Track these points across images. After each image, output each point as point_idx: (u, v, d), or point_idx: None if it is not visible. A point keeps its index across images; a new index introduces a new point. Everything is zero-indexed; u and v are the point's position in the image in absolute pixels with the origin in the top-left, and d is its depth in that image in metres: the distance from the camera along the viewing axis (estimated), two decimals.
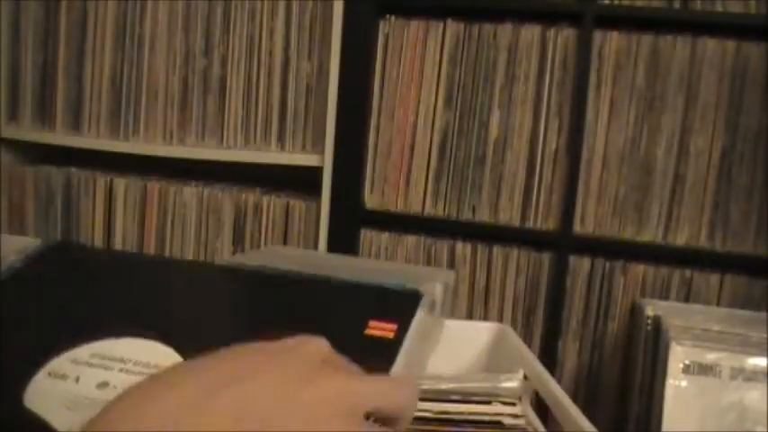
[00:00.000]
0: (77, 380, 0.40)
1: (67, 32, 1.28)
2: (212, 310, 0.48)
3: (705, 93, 1.04)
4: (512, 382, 0.56)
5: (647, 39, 1.05)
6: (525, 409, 0.57)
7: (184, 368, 0.29)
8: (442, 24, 1.12)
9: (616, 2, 1.06)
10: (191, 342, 0.41)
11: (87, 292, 0.50)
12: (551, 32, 1.08)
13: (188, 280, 0.52)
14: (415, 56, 1.13)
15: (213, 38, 1.21)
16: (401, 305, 0.47)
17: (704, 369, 0.83)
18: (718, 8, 1.02)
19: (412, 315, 0.46)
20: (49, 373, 0.41)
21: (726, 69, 1.03)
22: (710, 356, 0.83)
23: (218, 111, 1.22)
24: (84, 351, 0.42)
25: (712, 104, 1.04)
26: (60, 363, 0.41)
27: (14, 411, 0.39)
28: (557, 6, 1.07)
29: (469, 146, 1.12)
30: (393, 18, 1.13)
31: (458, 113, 1.12)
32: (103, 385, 0.40)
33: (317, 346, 0.31)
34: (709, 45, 1.03)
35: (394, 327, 0.44)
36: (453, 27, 1.11)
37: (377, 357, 0.41)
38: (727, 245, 1.05)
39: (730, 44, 1.03)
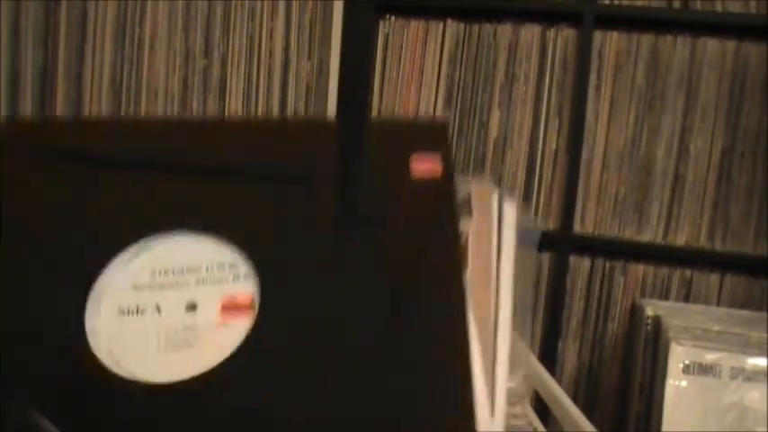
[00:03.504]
0: (158, 309, 0.33)
1: (67, 32, 1.28)
2: (242, 174, 0.39)
3: (705, 93, 1.04)
4: (512, 382, 0.56)
5: (647, 39, 1.05)
6: (525, 409, 0.57)
7: None
8: (441, 24, 1.12)
9: (616, 2, 1.06)
10: (238, 226, 0.35)
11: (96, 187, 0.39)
12: (551, 32, 1.08)
13: (202, 144, 0.42)
14: (415, 56, 1.13)
15: (213, 38, 1.21)
16: (431, 135, 0.37)
17: (704, 369, 0.83)
18: (718, 8, 1.02)
19: (445, 141, 0.36)
20: (120, 311, 0.33)
21: (726, 69, 1.03)
22: (710, 356, 0.83)
23: (218, 111, 1.22)
24: (138, 269, 0.34)
25: (712, 104, 1.04)
26: (121, 294, 0.33)
27: (85, 362, 0.30)
28: (557, 6, 1.07)
29: (469, 146, 1.12)
30: (393, 18, 1.13)
31: (458, 113, 1.12)
32: (192, 307, 0.33)
33: None
34: (709, 45, 1.03)
35: (437, 158, 0.35)
36: (453, 27, 1.11)
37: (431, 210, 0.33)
38: (727, 245, 1.05)
39: (730, 44, 1.03)
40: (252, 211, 0.36)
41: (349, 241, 0.34)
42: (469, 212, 0.37)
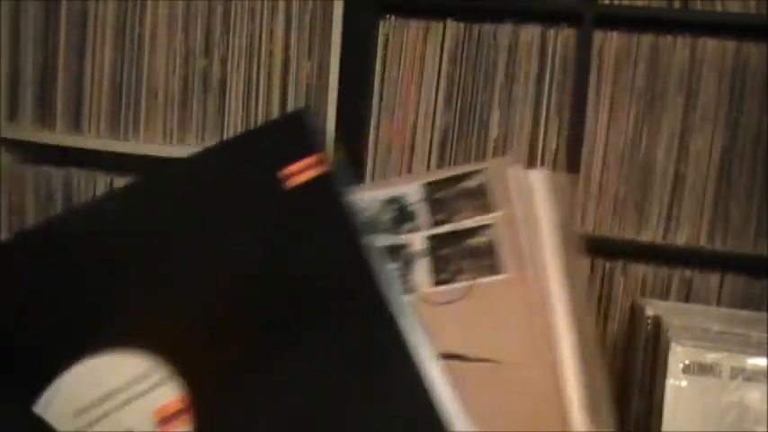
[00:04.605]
0: None
1: (67, 32, 1.27)
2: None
3: (705, 93, 1.04)
4: None
5: (647, 39, 1.05)
6: None
7: None
8: (442, 24, 1.12)
9: (616, 2, 1.06)
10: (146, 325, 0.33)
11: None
12: (551, 32, 1.08)
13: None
14: (415, 56, 1.13)
15: (213, 38, 1.21)
16: (301, 139, 0.32)
17: (704, 369, 0.83)
18: (718, 8, 1.02)
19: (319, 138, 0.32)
20: None
21: (726, 69, 1.03)
22: (710, 356, 0.83)
23: (218, 111, 1.22)
24: (58, 417, 0.31)
25: (712, 104, 1.04)
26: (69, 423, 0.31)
27: None
28: (557, 6, 1.07)
29: (469, 146, 1.12)
30: (393, 18, 1.13)
31: (458, 113, 1.12)
32: None
33: None
34: (709, 45, 1.03)
35: (312, 160, 0.30)
36: (453, 27, 1.11)
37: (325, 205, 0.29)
38: (727, 245, 1.05)
39: (730, 44, 1.03)
40: (140, 305, 0.33)
41: (242, 296, 0.32)
42: (487, 204, 0.32)
